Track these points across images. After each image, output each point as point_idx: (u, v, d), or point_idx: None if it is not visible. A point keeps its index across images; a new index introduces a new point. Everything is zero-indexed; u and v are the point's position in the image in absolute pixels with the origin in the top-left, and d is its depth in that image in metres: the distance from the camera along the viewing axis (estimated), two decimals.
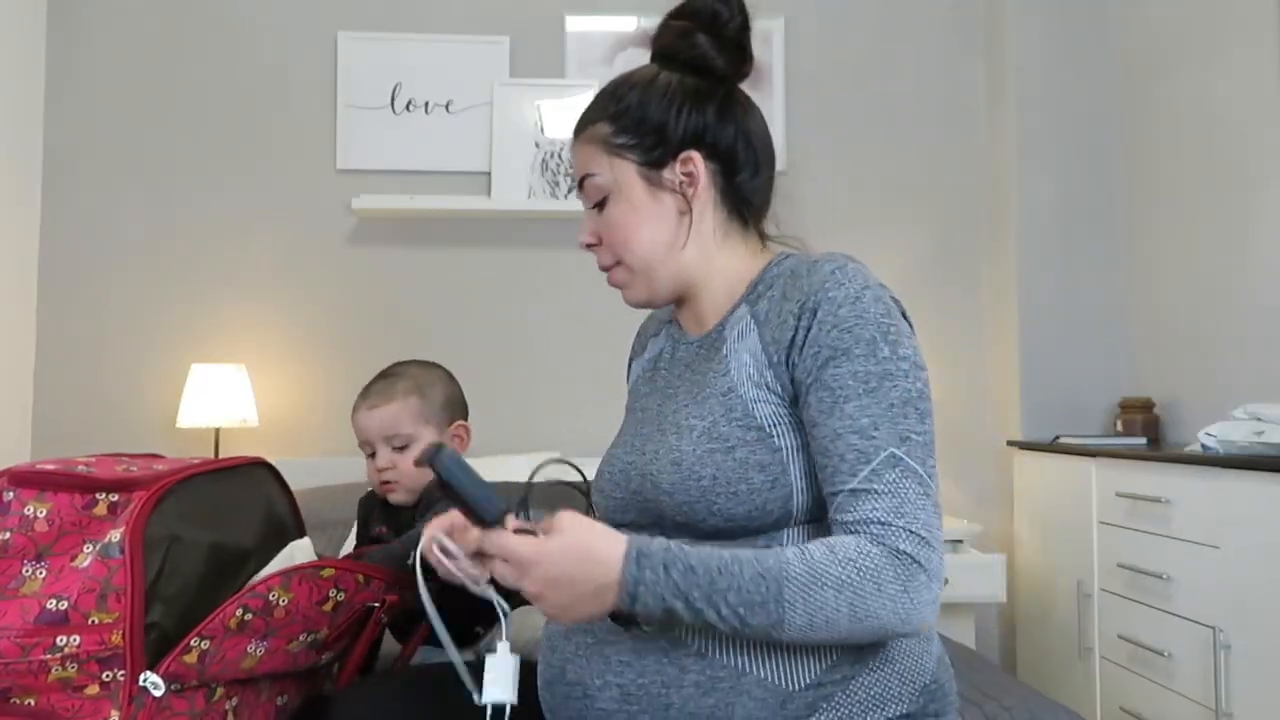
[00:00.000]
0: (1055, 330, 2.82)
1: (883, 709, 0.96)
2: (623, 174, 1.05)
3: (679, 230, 1.05)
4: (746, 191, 1.08)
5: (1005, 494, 2.87)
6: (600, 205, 1.06)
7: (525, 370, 2.90)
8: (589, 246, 1.09)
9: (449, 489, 0.87)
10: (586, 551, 0.88)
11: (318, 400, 2.90)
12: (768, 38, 2.99)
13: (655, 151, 1.04)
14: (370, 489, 1.58)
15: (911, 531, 0.89)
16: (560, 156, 2.91)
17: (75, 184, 2.91)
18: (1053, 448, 2.51)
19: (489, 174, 2.92)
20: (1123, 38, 2.82)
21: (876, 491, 0.90)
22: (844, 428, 0.92)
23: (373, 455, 1.50)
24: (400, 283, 2.94)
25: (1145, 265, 2.73)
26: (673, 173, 1.05)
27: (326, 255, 2.93)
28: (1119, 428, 2.57)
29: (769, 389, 0.98)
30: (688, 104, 1.05)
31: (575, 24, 2.97)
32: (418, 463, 0.89)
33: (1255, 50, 2.28)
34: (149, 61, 2.94)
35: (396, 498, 1.50)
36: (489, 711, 0.90)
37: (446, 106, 2.94)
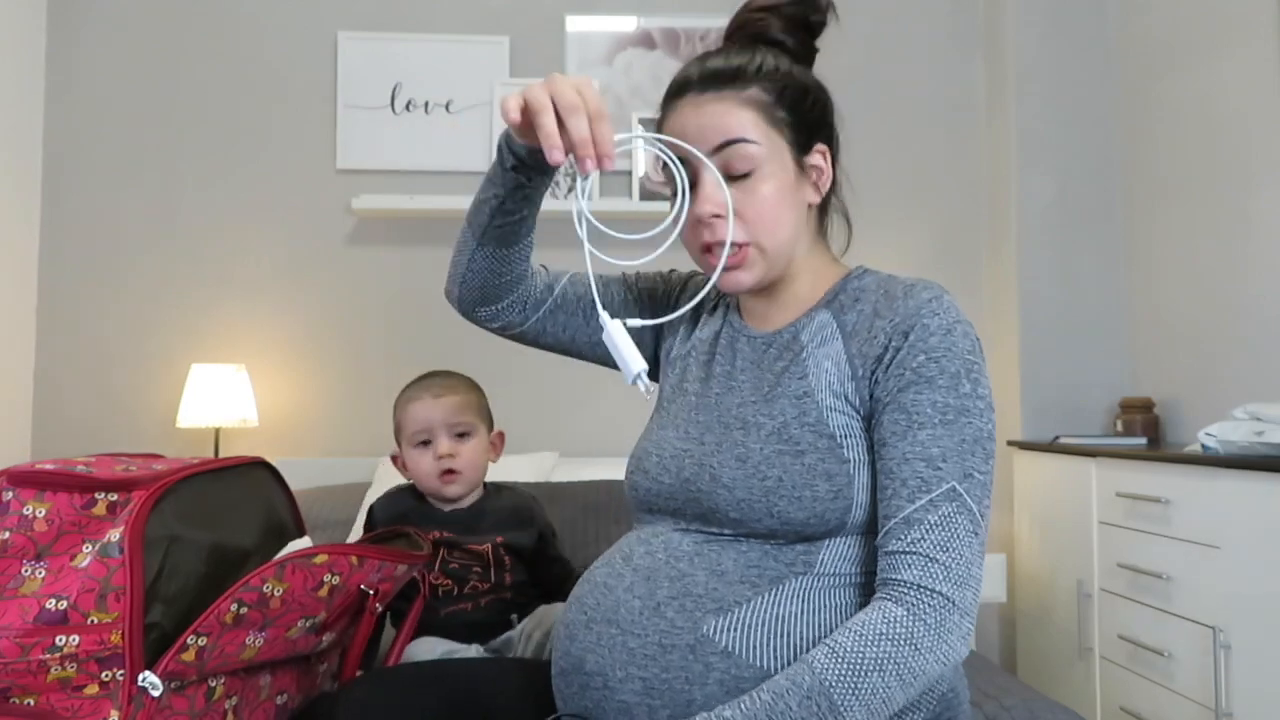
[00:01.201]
0: (1055, 330, 2.81)
1: (900, 717, 0.95)
2: (779, 150, 1.00)
3: (804, 221, 1.05)
4: (832, 197, 1.10)
5: (1005, 494, 2.87)
6: (737, 177, 0.98)
7: (525, 371, 2.90)
8: (715, 217, 0.98)
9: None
10: None
11: (318, 400, 2.90)
12: None
13: (803, 135, 1.02)
14: (394, 490, 1.58)
15: (950, 570, 0.89)
16: None
17: (75, 184, 2.91)
18: (1053, 448, 2.51)
19: None
20: (1123, 37, 2.82)
21: (929, 523, 0.90)
22: (913, 453, 0.92)
23: (425, 444, 1.50)
24: (400, 283, 2.94)
25: (1145, 265, 2.73)
26: (810, 162, 1.04)
27: (326, 255, 2.93)
28: (1119, 428, 2.57)
29: (847, 400, 0.97)
30: (824, 98, 1.05)
31: (575, 24, 2.97)
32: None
33: (1255, 50, 2.28)
34: (149, 61, 2.94)
35: (455, 489, 1.49)
36: (641, 384, 0.91)
37: (446, 106, 2.94)
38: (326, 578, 1.02)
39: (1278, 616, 1.70)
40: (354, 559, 1.05)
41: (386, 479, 2.50)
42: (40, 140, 2.90)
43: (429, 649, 1.31)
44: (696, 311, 1.17)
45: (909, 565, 0.89)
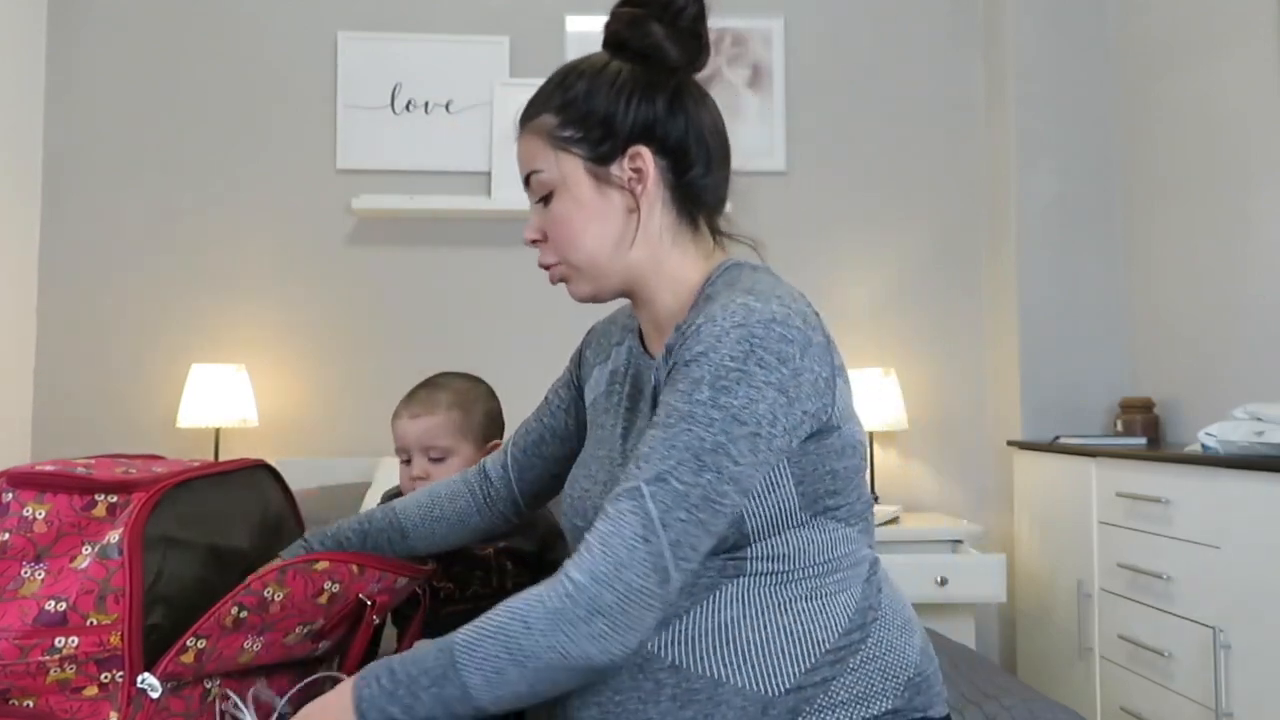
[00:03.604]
0: (1055, 330, 2.81)
1: (866, 706, 0.94)
2: (569, 169, 0.99)
3: (626, 229, 1.00)
4: (697, 189, 1.02)
5: (1005, 494, 2.87)
6: (546, 200, 1.01)
7: (525, 370, 2.90)
8: (533, 243, 1.04)
9: None
10: (320, 701, 0.88)
11: (318, 400, 2.91)
12: (768, 38, 2.99)
13: (603, 146, 0.99)
14: (396, 489, 1.58)
15: (594, 563, 0.85)
16: None
17: (75, 184, 2.91)
18: (1053, 448, 2.51)
19: (489, 174, 2.92)
20: (1122, 37, 2.82)
21: (606, 514, 0.87)
22: (636, 453, 0.89)
23: (408, 462, 1.50)
24: (400, 283, 2.94)
25: (1145, 265, 2.73)
26: (620, 168, 0.99)
27: (326, 255, 2.93)
28: (1119, 428, 2.57)
29: None
30: (637, 95, 0.99)
31: (575, 24, 2.97)
32: None
33: (1255, 50, 2.28)
34: (149, 61, 2.94)
35: None
36: None
37: (446, 106, 2.94)
38: (327, 585, 1.02)
39: (1278, 616, 1.70)
40: (355, 568, 1.05)
41: (386, 479, 2.50)
42: (40, 140, 2.90)
43: None
44: (607, 346, 1.18)
45: (576, 559, 0.87)
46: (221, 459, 1.94)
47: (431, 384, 1.54)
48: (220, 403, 2.66)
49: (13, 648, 0.86)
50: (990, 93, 3.01)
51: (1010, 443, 2.76)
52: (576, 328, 2.91)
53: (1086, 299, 2.82)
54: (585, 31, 2.96)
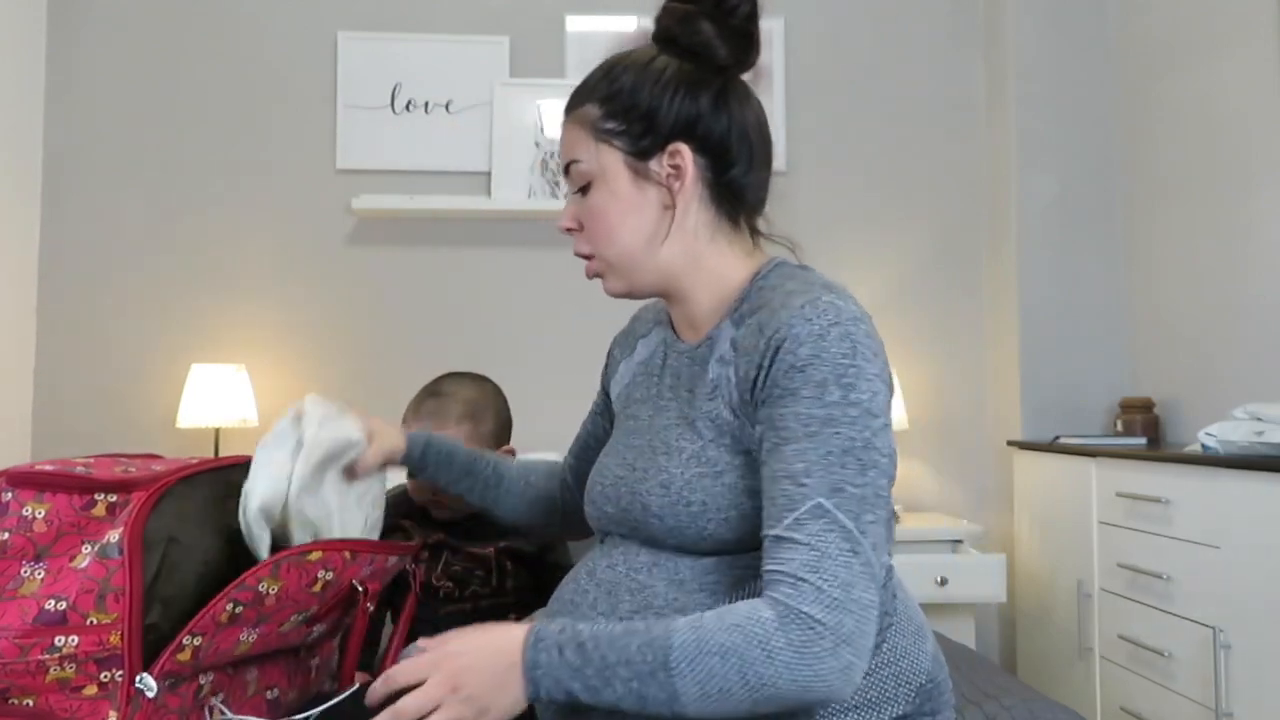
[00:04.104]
0: (1055, 330, 2.81)
1: (879, 711, 0.95)
2: (608, 162, 1.00)
3: (660, 225, 1.00)
4: (738, 188, 1.02)
5: (1005, 494, 2.87)
6: (584, 190, 1.02)
7: (525, 370, 2.90)
8: (568, 230, 1.05)
9: None
10: (493, 640, 0.87)
11: None
12: (768, 38, 2.98)
13: (643, 140, 0.99)
14: (401, 488, 1.57)
15: (822, 591, 0.83)
16: (560, 156, 2.91)
17: (75, 184, 2.91)
18: (1053, 448, 2.51)
19: (489, 174, 2.92)
20: (1123, 37, 2.82)
21: (797, 542, 0.84)
22: (781, 471, 0.88)
23: None
24: (400, 283, 2.94)
25: (1145, 265, 2.73)
26: (659, 164, 1.00)
27: (326, 255, 2.93)
28: (1119, 428, 2.57)
29: (747, 420, 0.94)
30: (681, 91, 0.99)
31: (575, 24, 2.97)
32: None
33: (1255, 50, 2.28)
34: (149, 61, 2.94)
35: (440, 514, 1.49)
36: None
37: (446, 106, 2.94)
38: (320, 574, 1.02)
39: (1278, 616, 1.70)
40: (347, 554, 1.05)
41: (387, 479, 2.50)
42: (40, 140, 2.90)
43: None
44: (632, 340, 1.19)
45: (778, 584, 0.85)
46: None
47: (441, 393, 1.53)
48: (220, 403, 2.66)
49: (12, 647, 0.86)
50: (990, 93, 3.01)
51: (1010, 443, 2.76)
52: (577, 328, 2.93)
53: (1086, 299, 2.82)
54: (585, 31, 2.96)
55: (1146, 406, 2.56)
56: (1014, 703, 1.39)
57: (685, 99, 0.99)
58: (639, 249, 1.01)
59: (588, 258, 1.04)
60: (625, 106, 1.00)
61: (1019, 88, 2.85)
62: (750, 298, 1.00)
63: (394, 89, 2.94)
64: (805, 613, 0.82)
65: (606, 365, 1.25)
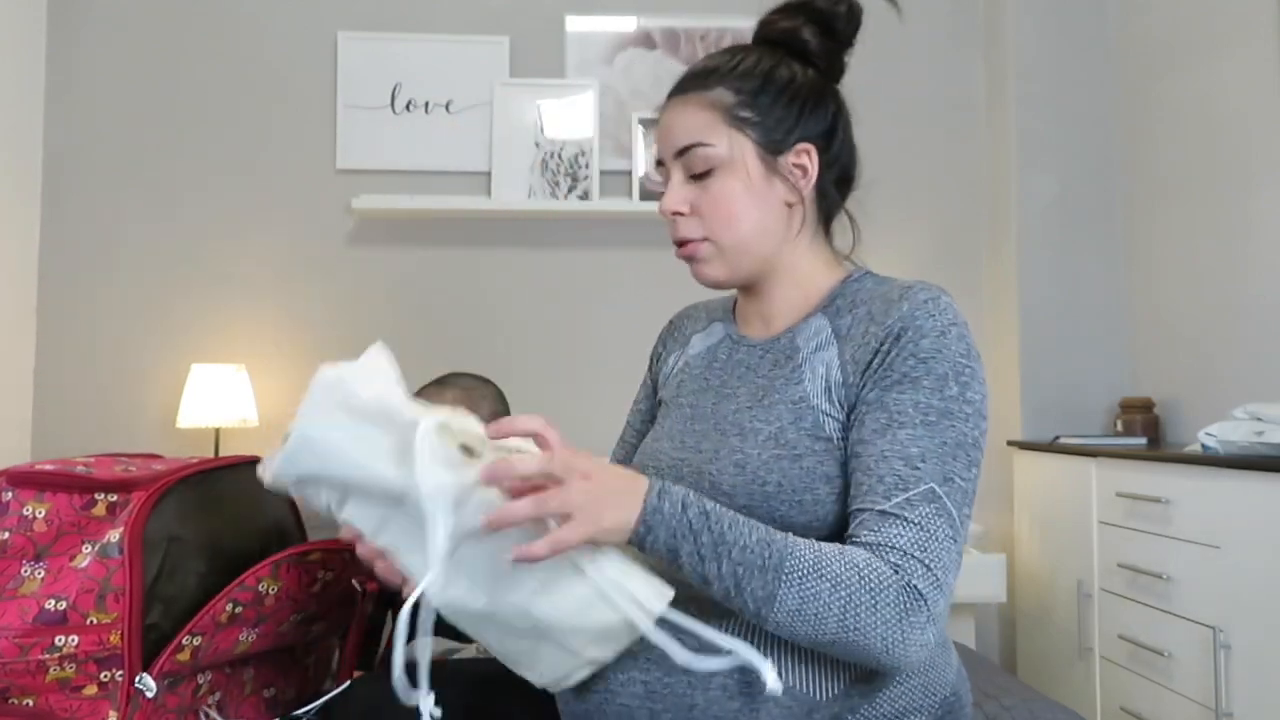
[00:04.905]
0: (1055, 330, 2.81)
1: (903, 718, 0.95)
2: (742, 149, 1.01)
3: (779, 220, 1.03)
4: (835, 200, 1.09)
5: (1005, 494, 2.87)
6: (700, 176, 1.02)
7: (525, 371, 2.90)
8: (675, 214, 1.04)
9: None
10: (616, 469, 0.86)
11: None
12: None
13: (776, 135, 1.02)
14: None
15: (928, 568, 0.86)
16: (560, 156, 2.90)
17: (75, 184, 2.91)
18: (1053, 448, 2.51)
19: (489, 174, 2.92)
20: (1123, 37, 2.82)
21: (907, 520, 0.87)
22: (892, 451, 0.90)
23: None
24: (400, 283, 2.94)
25: (1145, 265, 2.73)
26: (788, 162, 1.03)
27: (326, 255, 2.93)
28: (1119, 428, 2.57)
29: (840, 405, 0.96)
30: (812, 100, 1.04)
31: (575, 24, 2.96)
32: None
33: (1255, 50, 2.28)
34: (149, 61, 2.94)
35: None
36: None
37: (446, 106, 2.94)
38: (320, 574, 1.02)
39: (1278, 616, 1.69)
40: (347, 554, 1.06)
41: None
42: (40, 140, 2.90)
43: (428, 649, 1.31)
44: (684, 335, 1.20)
45: (887, 554, 0.87)
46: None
47: (439, 382, 1.55)
48: (220, 403, 2.66)
49: (13, 646, 0.86)
50: (990, 93, 3.00)
51: (1010, 443, 2.76)
52: (578, 329, 2.93)
53: (1086, 299, 2.82)
54: (585, 31, 2.96)
55: (1146, 406, 2.56)
56: (1014, 703, 1.39)
57: (816, 106, 1.04)
58: (757, 238, 1.03)
59: (687, 242, 1.04)
60: (762, 99, 1.02)
61: (1019, 88, 2.85)
62: (844, 295, 1.03)
63: (394, 89, 2.93)
64: (915, 586, 0.85)
65: (654, 361, 1.25)
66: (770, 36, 1.07)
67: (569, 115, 2.91)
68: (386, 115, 2.93)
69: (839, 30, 1.08)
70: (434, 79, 2.94)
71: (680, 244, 1.05)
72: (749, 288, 1.08)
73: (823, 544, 0.88)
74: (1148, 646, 2.04)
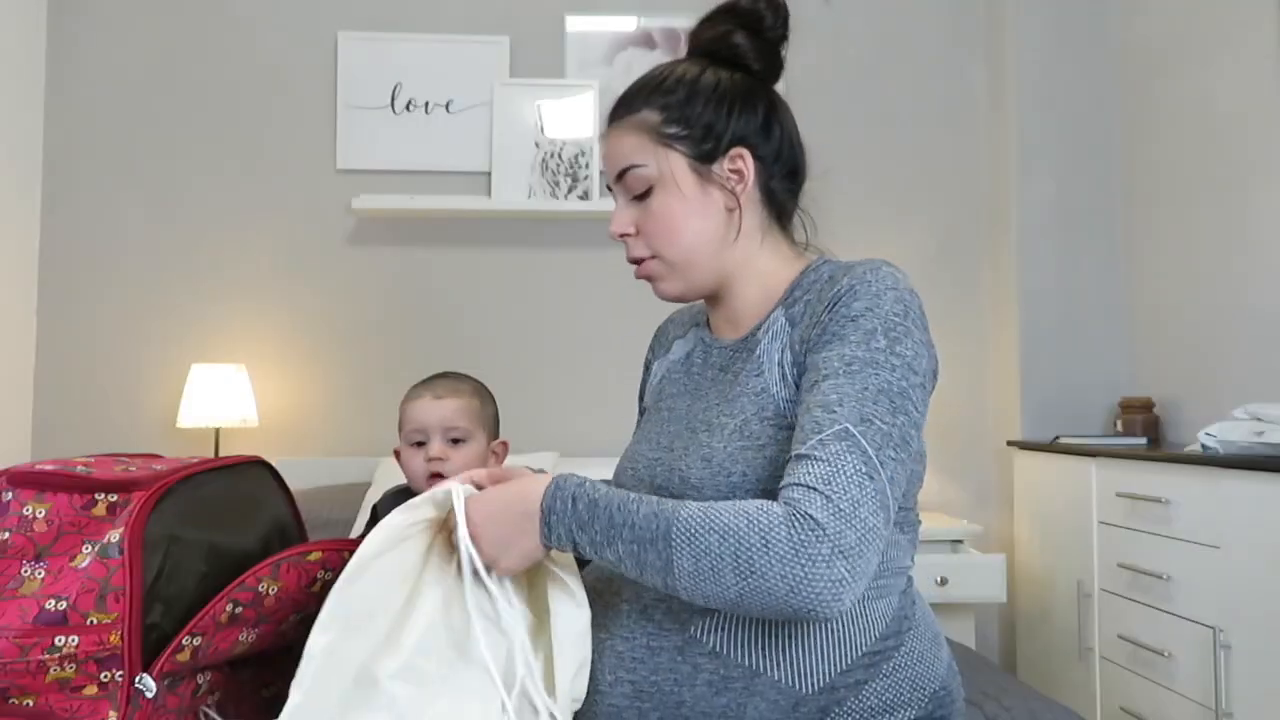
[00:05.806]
0: (1055, 330, 2.81)
1: (892, 715, 0.95)
2: (672, 165, 1.03)
3: (724, 226, 1.04)
4: (784, 195, 1.09)
5: (1005, 494, 2.87)
6: (642, 196, 1.04)
7: (525, 370, 2.90)
8: (623, 236, 1.06)
9: None
10: (518, 488, 0.92)
11: (318, 400, 2.90)
12: None
13: (706, 145, 1.03)
14: (396, 489, 1.57)
15: (830, 500, 0.83)
16: (560, 156, 2.90)
17: (75, 183, 2.91)
18: (1053, 448, 2.51)
19: (489, 174, 2.92)
20: (1122, 38, 2.82)
21: (815, 458, 0.86)
22: (814, 402, 0.90)
23: (422, 444, 1.49)
24: (400, 283, 2.94)
25: (1145, 265, 2.73)
26: (721, 168, 1.04)
27: (326, 255, 2.93)
28: (1119, 428, 2.57)
29: (793, 384, 0.97)
30: (739, 102, 1.04)
31: (575, 24, 2.96)
32: None
33: (1255, 50, 2.28)
34: (149, 61, 2.94)
35: None
36: None
37: (446, 106, 2.94)
38: (320, 574, 1.02)
39: (1278, 616, 1.70)
40: (347, 554, 1.05)
41: (386, 479, 2.50)
42: (40, 140, 2.90)
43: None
44: (666, 342, 1.22)
45: (789, 490, 0.86)
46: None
47: (449, 375, 1.57)
48: (220, 403, 2.66)
49: (12, 646, 0.86)
50: (990, 93, 3.01)
51: (1010, 443, 2.76)
52: (578, 328, 2.92)
53: (1087, 299, 2.82)
54: (585, 31, 2.96)
55: (1146, 406, 2.56)
56: (1014, 703, 1.39)
57: (744, 109, 1.05)
58: (702, 249, 1.04)
59: (640, 261, 1.07)
60: (686, 112, 1.03)
61: (1019, 88, 2.85)
62: (801, 286, 1.04)
63: (394, 89, 2.94)
64: (811, 515, 0.83)
65: (645, 370, 1.27)
66: (700, 47, 1.09)
67: (569, 115, 2.91)
68: (386, 115, 2.93)
69: (768, 28, 1.08)
70: (434, 79, 2.94)
71: (634, 264, 1.07)
72: (717, 294, 1.09)
73: (717, 502, 0.88)
74: (1148, 647, 2.04)
